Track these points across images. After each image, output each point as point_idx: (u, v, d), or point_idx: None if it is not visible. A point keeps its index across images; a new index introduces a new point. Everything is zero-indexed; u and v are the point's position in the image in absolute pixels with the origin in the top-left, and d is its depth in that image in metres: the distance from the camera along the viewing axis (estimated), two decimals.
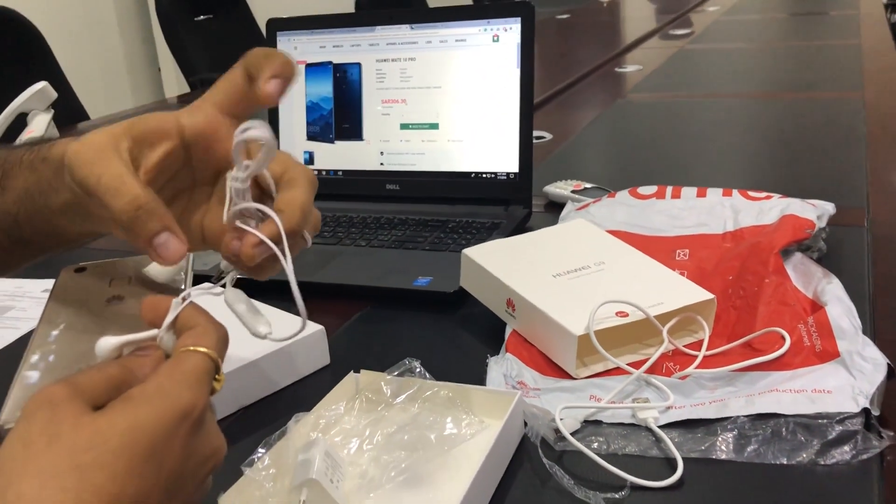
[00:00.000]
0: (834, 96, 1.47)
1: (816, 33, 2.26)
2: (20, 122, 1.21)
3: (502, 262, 0.72)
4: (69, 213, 0.45)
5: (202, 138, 0.43)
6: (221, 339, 0.40)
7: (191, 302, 0.40)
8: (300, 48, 1.03)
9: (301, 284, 0.86)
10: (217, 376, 0.39)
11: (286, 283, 0.41)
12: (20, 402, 0.34)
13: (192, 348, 0.38)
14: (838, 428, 0.52)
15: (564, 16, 3.21)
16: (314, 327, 0.68)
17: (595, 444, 0.55)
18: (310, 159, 1.04)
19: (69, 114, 1.91)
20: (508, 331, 0.69)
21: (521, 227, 0.92)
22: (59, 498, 0.31)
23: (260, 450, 0.50)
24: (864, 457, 0.51)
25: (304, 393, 0.65)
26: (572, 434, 0.55)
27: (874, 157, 1.10)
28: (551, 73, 1.93)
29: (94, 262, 0.50)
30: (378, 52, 1.00)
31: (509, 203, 0.96)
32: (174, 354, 0.39)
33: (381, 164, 1.01)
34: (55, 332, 0.44)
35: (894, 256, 0.80)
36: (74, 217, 0.45)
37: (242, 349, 0.65)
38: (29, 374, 0.41)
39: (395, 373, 0.59)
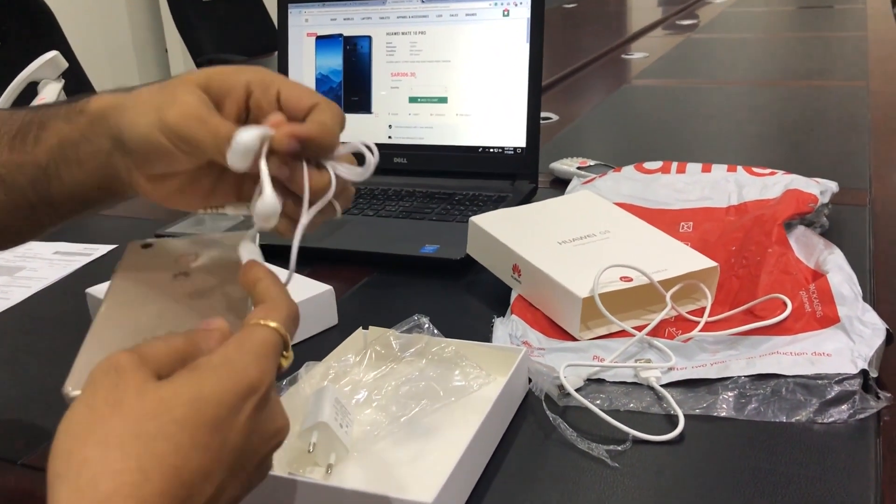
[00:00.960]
0: (839, 84, 1.48)
1: (823, 25, 2.26)
2: (31, 90, 1.22)
3: (509, 230, 0.73)
4: (98, 162, 0.46)
5: (264, 97, 0.43)
6: (292, 316, 0.39)
7: (271, 273, 0.39)
8: (311, 20, 1.04)
9: (308, 250, 0.87)
10: (285, 353, 0.38)
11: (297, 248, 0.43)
12: (85, 371, 0.34)
13: (262, 322, 0.37)
14: (837, 388, 0.53)
15: (572, 5, 3.22)
16: (322, 287, 0.69)
17: (598, 401, 0.56)
18: None
19: (78, 89, 1.91)
20: (514, 295, 0.70)
21: (527, 201, 0.93)
22: (121, 465, 0.31)
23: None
24: (862, 416, 0.52)
25: (314, 348, 0.66)
26: (576, 391, 0.57)
27: (877, 143, 1.11)
28: (558, 59, 1.93)
29: (162, 238, 0.49)
30: (388, 25, 1.00)
31: (516, 178, 0.97)
32: (244, 327, 0.37)
33: (390, 137, 1.02)
34: (121, 306, 0.43)
35: (894, 234, 0.81)
36: (101, 167, 0.46)
37: None
38: (93, 344, 0.40)
39: (404, 328, 0.60)
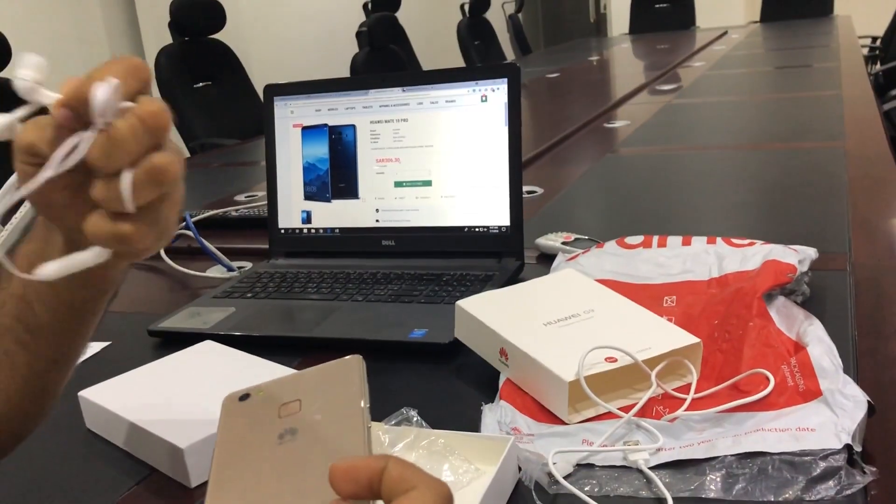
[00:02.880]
0: (817, 146, 1.51)
1: (800, 85, 2.32)
2: None
3: (495, 313, 0.74)
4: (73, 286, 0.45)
5: None
6: (445, 499, 0.32)
7: (396, 458, 0.33)
8: (296, 112, 1.07)
9: (299, 340, 0.88)
10: None
11: (282, 340, 0.44)
12: None
13: None
14: (822, 464, 0.54)
15: (555, 74, 3.29)
16: None
17: (587, 487, 0.56)
18: (307, 218, 1.07)
19: None
20: (502, 379, 0.71)
21: (513, 279, 0.94)
22: None
23: None
24: (849, 492, 0.53)
25: None
26: (565, 477, 0.57)
27: (856, 204, 1.14)
28: (542, 130, 1.98)
29: (257, 386, 0.43)
30: (372, 113, 1.03)
31: (502, 255, 0.99)
32: None
33: (377, 220, 1.04)
34: (227, 482, 0.38)
35: (875, 298, 0.82)
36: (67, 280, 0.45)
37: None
38: None
39: (393, 422, 0.60)
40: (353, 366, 0.41)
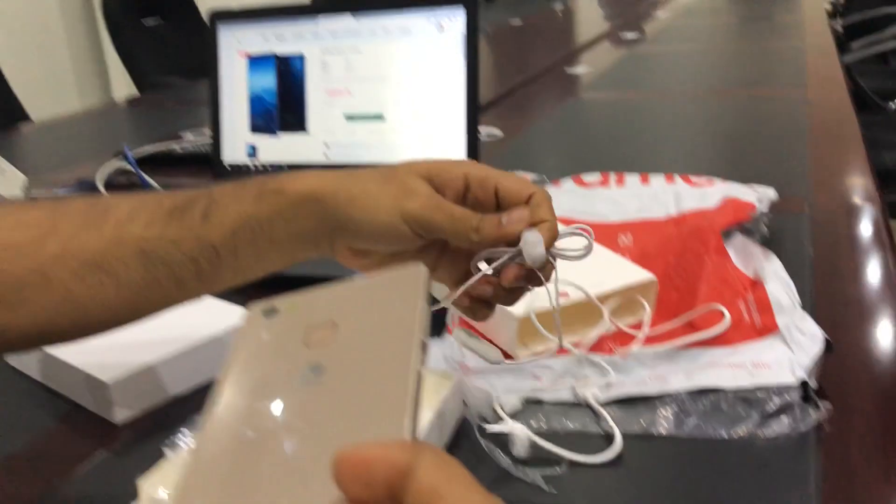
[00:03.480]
0: (778, 93, 1.50)
1: (763, 36, 2.30)
2: None
3: None
4: (300, 239, 0.46)
5: (481, 189, 0.47)
6: None
7: (432, 452, 0.24)
8: (243, 40, 1.02)
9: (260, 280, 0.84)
10: None
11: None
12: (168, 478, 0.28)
13: None
14: (777, 400, 0.52)
15: (518, 22, 3.23)
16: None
17: (534, 422, 0.54)
18: (253, 152, 1.02)
19: (7, 114, 1.86)
20: (451, 316, 0.68)
21: None
22: None
23: (185, 430, 0.48)
24: (803, 428, 0.51)
25: None
26: (514, 414, 0.54)
27: (815, 150, 1.12)
28: (503, 75, 1.93)
29: (288, 297, 0.33)
30: (322, 42, 0.98)
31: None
32: None
33: (326, 156, 0.99)
34: (222, 436, 0.27)
35: (832, 242, 0.81)
36: (302, 243, 0.47)
37: (177, 334, 0.63)
38: (196, 471, 0.26)
39: None
40: (414, 279, 0.29)
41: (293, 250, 0.47)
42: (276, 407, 0.27)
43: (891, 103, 2.18)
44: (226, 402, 0.29)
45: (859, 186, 0.98)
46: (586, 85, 1.78)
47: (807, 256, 0.77)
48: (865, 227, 0.85)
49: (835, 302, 0.68)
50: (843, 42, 2.40)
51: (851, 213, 0.89)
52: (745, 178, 0.94)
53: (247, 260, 0.46)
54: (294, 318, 0.31)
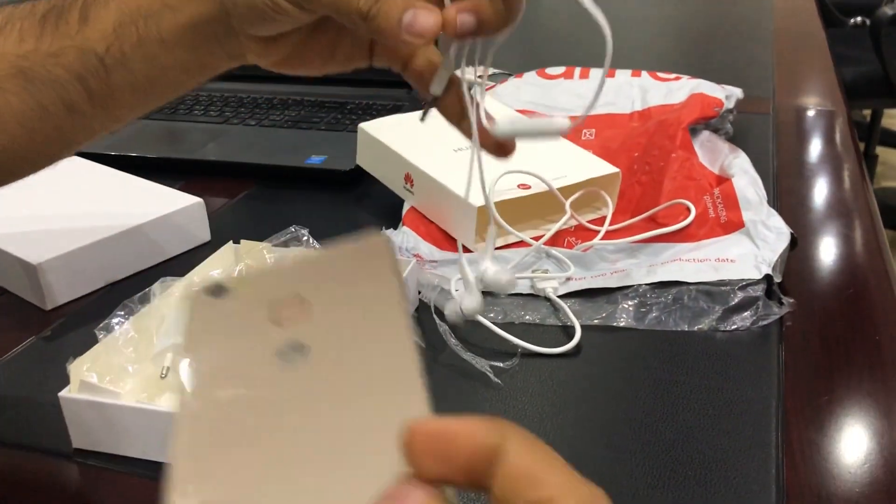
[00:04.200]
0: None
1: None
2: None
3: (402, 137, 0.67)
4: (195, 32, 0.38)
5: None
6: None
7: (516, 433, 0.20)
8: None
9: (180, 162, 0.79)
10: None
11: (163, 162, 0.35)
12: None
13: None
14: (740, 294, 0.51)
15: None
16: (191, 199, 0.62)
17: (491, 314, 0.52)
18: None
19: None
20: (406, 207, 0.65)
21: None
22: None
23: (118, 314, 0.45)
24: (765, 322, 0.50)
25: (180, 269, 0.59)
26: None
27: (781, 52, 1.10)
28: None
29: (235, 276, 0.28)
30: None
31: (412, 87, 0.90)
32: None
33: None
34: (204, 445, 0.22)
35: (796, 141, 0.79)
36: (200, 38, 0.38)
37: (112, 218, 0.59)
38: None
39: (279, 240, 0.54)
40: (378, 250, 0.26)
41: (193, 49, 0.39)
42: (266, 391, 0.24)
43: (851, 19, 2.16)
44: (201, 395, 0.24)
45: (823, 90, 0.96)
46: None
47: (771, 156, 0.75)
48: (830, 130, 0.83)
49: (798, 200, 0.67)
50: None
51: (813, 115, 0.87)
52: (710, 78, 0.91)
53: (139, 67, 0.38)
54: (250, 296, 0.27)
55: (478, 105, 0.38)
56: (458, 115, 0.40)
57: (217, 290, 0.27)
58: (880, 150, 2.32)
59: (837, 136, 0.81)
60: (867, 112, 2.32)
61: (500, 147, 0.39)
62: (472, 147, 0.38)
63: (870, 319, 0.51)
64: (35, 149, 0.40)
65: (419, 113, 0.74)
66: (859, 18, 2.16)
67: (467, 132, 0.39)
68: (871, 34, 1.76)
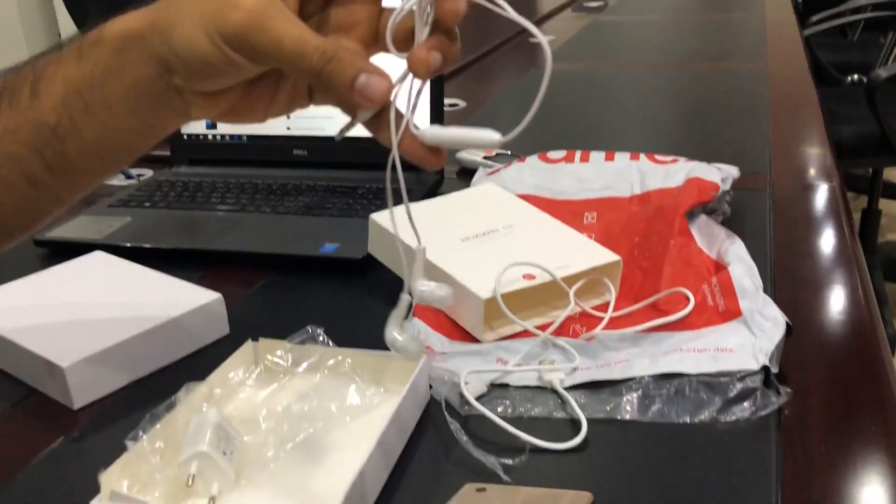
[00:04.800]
0: (740, 66, 1.50)
1: (725, 6, 2.31)
2: None
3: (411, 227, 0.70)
4: (139, 94, 0.39)
5: None
6: None
7: None
8: None
9: (199, 253, 0.82)
10: None
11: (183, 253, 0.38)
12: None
13: None
14: (739, 385, 0.53)
15: None
16: (211, 295, 0.65)
17: (500, 408, 0.54)
18: (212, 123, 1.00)
19: None
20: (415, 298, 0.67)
21: (432, 193, 0.90)
22: None
23: (146, 422, 0.47)
24: (763, 413, 0.52)
25: (201, 365, 0.62)
26: (479, 398, 0.54)
27: (776, 125, 1.13)
28: (465, 44, 1.90)
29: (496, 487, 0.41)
30: None
31: (420, 169, 0.94)
32: None
33: (288, 128, 0.98)
34: None
35: (793, 219, 0.82)
36: (145, 100, 0.39)
37: (135, 317, 0.61)
38: None
39: (297, 340, 0.56)
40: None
41: (140, 112, 0.40)
42: None
43: (848, 77, 2.21)
44: None
45: (817, 162, 0.99)
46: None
47: (768, 235, 0.78)
48: (822, 205, 0.86)
49: (794, 281, 0.69)
50: (802, 15, 2.41)
51: (810, 190, 0.90)
52: (707, 152, 0.94)
53: (91, 134, 0.39)
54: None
55: (404, 114, 0.41)
56: (380, 127, 0.42)
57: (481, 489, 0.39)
58: (884, 203, 2.35)
59: (829, 210, 0.84)
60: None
61: (430, 155, 0.42)
62: (392, 154, 0.42)
63: (866, 406, 0.53)
64: (5, 221, 0.42)
65: (429, 202, 0.77)
66: (856, 76, 2.20)
67: (387, 140, 0.42)
68: (866, 95, 1.80)
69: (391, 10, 0.40)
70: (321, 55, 0.36)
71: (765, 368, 0.54)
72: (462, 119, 1.28)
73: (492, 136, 0.36)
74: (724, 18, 2.08)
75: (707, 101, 1.29)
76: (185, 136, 1.01)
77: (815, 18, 2.41)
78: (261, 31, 0.36)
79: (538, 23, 2.21)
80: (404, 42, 0.40)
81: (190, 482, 0.43)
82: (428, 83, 0.90)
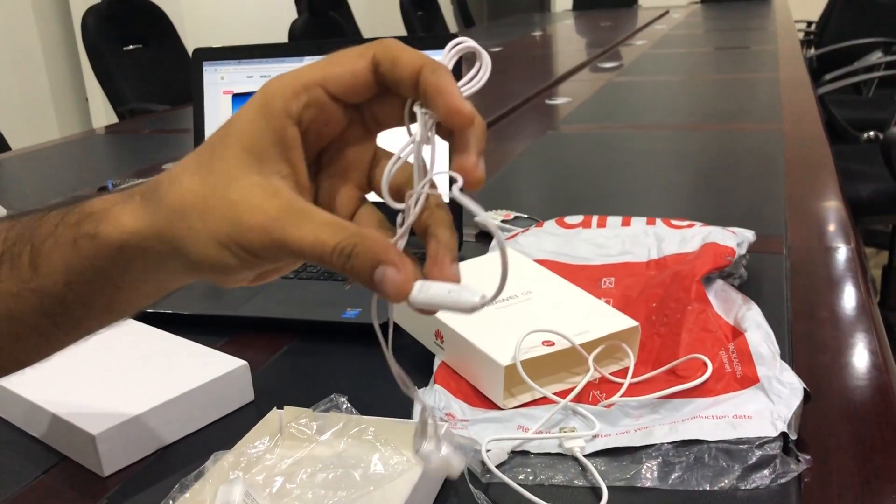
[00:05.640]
0: (755, 127, 1.53)
1: (739, 67, 2.34)
2: None
3: None
4: (152, 282, 0.38)
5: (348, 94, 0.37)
6: None
7: None
8: (227, 77, 1.02)
9: (225, 319, 0.84)
10: None
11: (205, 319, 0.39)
12: None
13: None
14: (758, 453, 0.53)
15: (498, 49, 3.27)
16: (237, 363, 0.66)
17: (522, 476, 0.54)
18: None
19: None
20: (437, 363, 0.68)
21: None
22: None
23: (175, 492, 0.48)
24: (783, 480, 0.52)
25: (227, 431, 0.63)
26: (500, 465, 0.55)
27: (792, 186, 1.14)
28: (483, 105, 1.95)
29: None
30: None
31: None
32: None
33: None
34: None
35: (810, 282, 0.83)
36: (163, 282, 0.39)
37: (162, 384, 0.63)
38: None
39: (321, 408, 0.58)
40: None
41: (155, 287, 0.39)
42: None
43: (864, 134, 2.23)
44: None
45: (834, 223, 1.00)
46: (566, 116, 1.80)
47: (785, 298, 0.78)
48: (840, 268, 0.87)
49: (813, 346, 0.69)
50: (816, 73, 2.44)
51: (826, 253, 0.91)
52: (723, 214, 0.96)
53: (102, 303, 0.39)
54: None
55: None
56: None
57: None
58: None
59: (847, 273, 0.85)
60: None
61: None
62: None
63: (887, 474, 0.53)
64: (20, 359, 0.42)
65: None
66: (872, 133, 2.22)
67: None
68: (882, 152, 1.81)
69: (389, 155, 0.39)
70: (339, 254, 0.34)
71: (783, 435, 0.54)
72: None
73: (470, 301, 0.35)
74: (737, 79, 2.11)
75: (722, 162, 1.31)
76: None
77: (828, 77, 2.44)
78: (280, 246, 0.34)
79: (555, 84, 2.25)
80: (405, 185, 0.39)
81: None
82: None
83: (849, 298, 0.79)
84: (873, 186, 1.90)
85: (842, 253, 0.90)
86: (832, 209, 1.06)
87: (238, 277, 0.38)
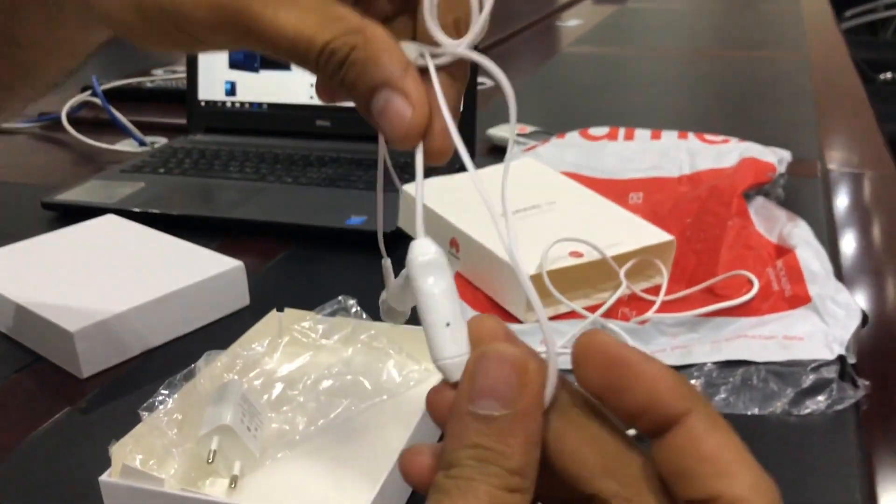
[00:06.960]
0: (780, 55, 1.45)
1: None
2: None
3: (446, 200, 0.66)
4: (51, 39, 0.33)
5: None
6: None
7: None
8: None
9: (216, 221, 0.78)
10: None
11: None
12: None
13: None
14: (812, 376, 0.48)
15: None
16: (231, 262, 0.60)
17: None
18: (231, 90, 0.95)
19: None
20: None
21: (463, 169, 0.85)
22: None
23: (162, 392, 0.43)
24: (840, 406, 0.47)
25: (219, 336, 0.57)
26: None
27: (823, 113, 1.08)
28: (491, 26, 1.86)
29: None
30: None
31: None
32: None
33: (312, 97, 0.93)
34: None
35: (850, 208, 0.77)
36: (62, 40, 0.33)
37: (148, 282, 0.57)
38: None
39: (327, 311, 0.52)
40: None
41: (62, 45, 0.34)
42: None
43: (881, 75, 2.15)
44: None
45: (871, 149, 0.94)
46: (575, 39, 1.71)
47: (824, 223, 0.73)
48: (878, 192, 0.81)
49: (861, 271, 0.64)
50: (838, 9, 2.35)
51: (864, 179, 0.85)
52: (755, 139, 0.89)
53: (5, 71, 0.35)
54: None
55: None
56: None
57: None
58: None
59: (887, 198, 0.79)
60: None
61: None
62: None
63: None
64: None
65: (464, 174, 0.72)
66: (889, 74, 2.15)
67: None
68: None
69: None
70: (328, 58, 0.25)
71: (840, 359, 0.49)
72: (490, 97, 1.23)
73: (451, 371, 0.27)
74: (757, 8, 2.02)
75: (747, 88, 1.24)
76: (203, 103, 0.96)
77: (848, 13, 2.35)
78: (237, 28, 0.26)
79: (556, 11, 2.15)
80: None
81: (210, 459, 0.39)
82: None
83: (890, 223, 0.73)
84: (890, 127, 1.84)
85: (881, 177, 0.84)
86: (867, 134, 0.99)
87: (156, 46, 0.30)
